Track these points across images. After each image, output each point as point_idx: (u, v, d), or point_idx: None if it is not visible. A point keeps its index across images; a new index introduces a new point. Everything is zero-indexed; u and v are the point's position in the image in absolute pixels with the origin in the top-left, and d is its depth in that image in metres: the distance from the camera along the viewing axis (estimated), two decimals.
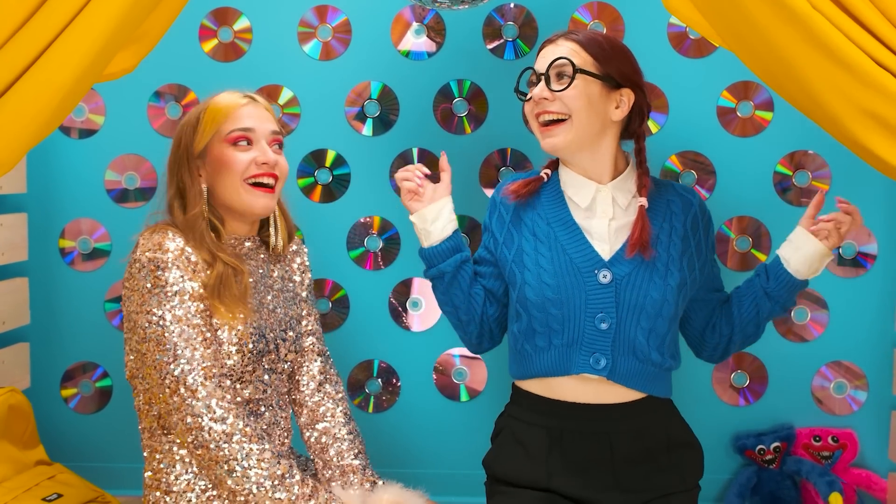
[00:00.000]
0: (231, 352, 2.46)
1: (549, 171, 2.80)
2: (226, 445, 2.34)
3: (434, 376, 3.59)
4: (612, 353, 2.62)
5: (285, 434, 2.68)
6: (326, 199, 3.60)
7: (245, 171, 2.54)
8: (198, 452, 2.36)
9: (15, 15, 2.18)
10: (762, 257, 3.49)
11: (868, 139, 2.18)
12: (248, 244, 2.65)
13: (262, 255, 2.69)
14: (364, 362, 3.61)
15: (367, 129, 3.59)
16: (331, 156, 3.59)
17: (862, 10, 2.16)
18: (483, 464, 2.83)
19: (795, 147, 3.49)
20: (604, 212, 2.68)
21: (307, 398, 2.78)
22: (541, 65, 2.67)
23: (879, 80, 2.14)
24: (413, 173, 2.77)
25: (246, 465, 2.33)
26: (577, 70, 2.59)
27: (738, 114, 3.50)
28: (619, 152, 2.75)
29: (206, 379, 2.36)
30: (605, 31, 2.69)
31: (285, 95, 3.58)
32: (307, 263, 2.89)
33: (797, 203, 3.48)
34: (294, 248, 2.85)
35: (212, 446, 2.34)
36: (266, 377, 2.58)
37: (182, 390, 2.35)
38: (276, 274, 2.71)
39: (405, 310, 3.59)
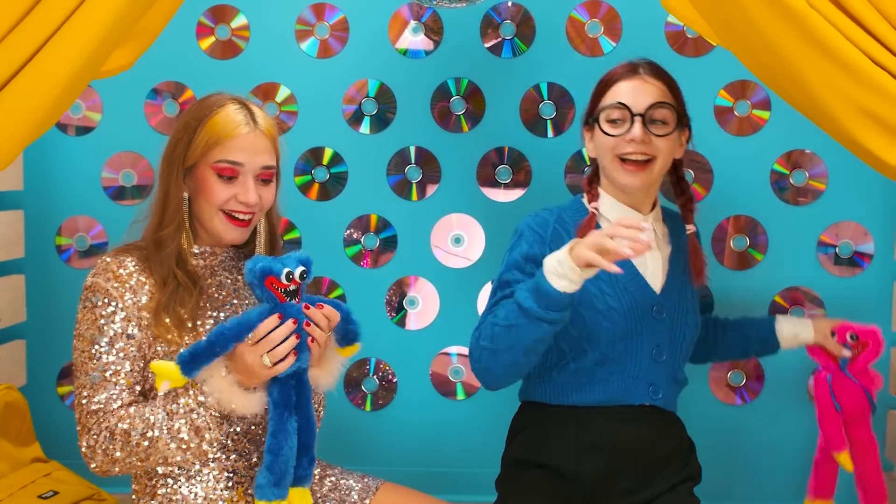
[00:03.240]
0: None
1: (598, 206, 2.74)
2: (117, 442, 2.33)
3: (430, 374, 3.59)
4: (665, 382, 2.71)
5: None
6: (323, 197, 3.60)
7: (223, 203, 2.46)
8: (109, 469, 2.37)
9: (12, 11, 2.18)
10: (759, 256, 3.50)
11: (865, 138, 2.18)
12: (222, 256, 2.60)
13: (238, 266, 2.64)
14: (360, 360, 3.61)
15: (364, 127, 3.59)
16: (328, 154, 3.59)
17: (860, 9, 2.16)
18: (504, 458, 2.85)
19: (792, 146, 3.50)
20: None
21: None
22: (638, 103, 2.62)
23: (877, 79, 2.14)
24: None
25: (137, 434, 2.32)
26: (681, 119, 2.67)
27: (736, 113, 3.51)
28: (685, 184, 2.84)
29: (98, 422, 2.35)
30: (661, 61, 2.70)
31: (282, 93, 3.58)
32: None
33: (794, 202, 3.49)
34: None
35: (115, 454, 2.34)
36: None
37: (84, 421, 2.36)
38: (242, 286, 2.66)
39: (402, 308, 3.59)
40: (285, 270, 2.23)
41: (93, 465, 2.34)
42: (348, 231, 3.59)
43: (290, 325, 2.23)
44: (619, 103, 2.64)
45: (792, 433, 3.54)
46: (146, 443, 2.29)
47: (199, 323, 2.45)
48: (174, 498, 2.43)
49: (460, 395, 3.59)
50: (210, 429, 2.30)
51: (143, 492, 2.47)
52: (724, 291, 3.51)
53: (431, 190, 3.58)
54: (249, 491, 2.46)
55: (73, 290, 3.58)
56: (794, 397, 3.53)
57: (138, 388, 2.39)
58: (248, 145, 2.46)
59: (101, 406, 2.33)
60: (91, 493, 3.10)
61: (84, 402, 2.35)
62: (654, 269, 2.71)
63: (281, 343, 2.23)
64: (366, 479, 2.70)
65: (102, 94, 3.60)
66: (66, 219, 3.63)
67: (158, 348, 2.40)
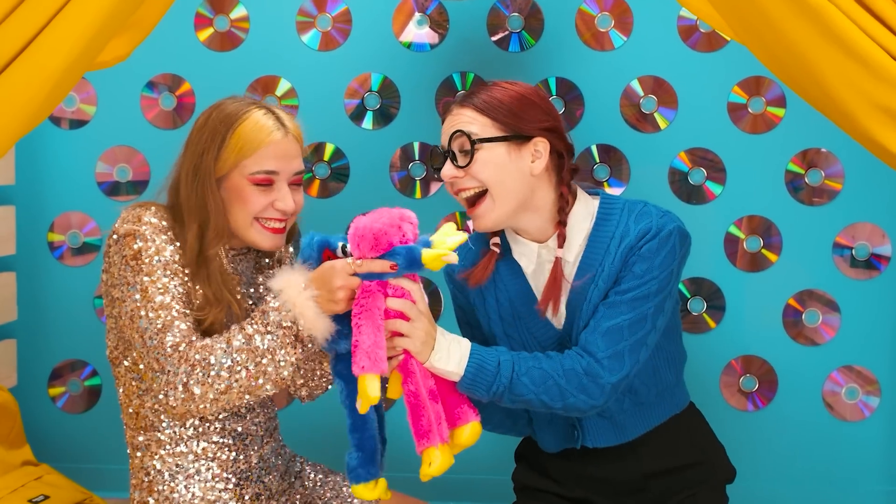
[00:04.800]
0: None
1: (497, 241, 2.63)
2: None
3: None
4: (596, 416, 2.62)
5: (269, 434, 2.65)
6: (325, 193, 3.60)
7: (260, 211, 2.45)
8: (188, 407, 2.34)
9: (4, 0, 2.18)
10: (773, 258, 3.50)
11: (884, 136, 2.17)
12: (237, 253, 2.60)
13: (251, 262, 2.65)
14: None
15: (367, 123, 3.59)
16: (329, 149, 3.59)
17: (879, 3, 2.15)
18: (513, 478, 2.84)
19: (808, 144, 3.49)
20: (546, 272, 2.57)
21: None
22: (443, 141, 2.53)
23: None
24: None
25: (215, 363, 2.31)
26: (474, 141, 2.45)
27: (750, 110, 3.50)
28: (563, 202, 2.57)
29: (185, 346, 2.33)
30: (508, 82, 2.54)
31: (283, 87, 3.58)
32: (291, 251, 2.83)
33: (809, 202, 3.48)
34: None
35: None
36: None
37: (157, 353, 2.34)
38: (260, 279, 2.67)
39: None
40: (340, 244, 2.34)
41: (172, 405, 2.28)
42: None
43: (387, 266, 2.28)
44: (435, 147, 2.61)
45: (806, 440, 3.54)
46: (225, 373, 2.27)
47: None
48: (171, 496, 2.43)
49: None
50: (287, 351, 2.30)
51: (140, 487, 2.46)
52: (737, 294, 3.51)
53: (436, 187, 3.57)
54: (248, 492, 2.46)
55: (66, 289, 3.61)
56: (808, 403, 3.54)
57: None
58: (283, 152, 2.47)
59: (177, 340, 2.31)
60: (83, 498, 3.11)
61: (153, 343, 2.31)
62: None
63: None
64: None
65: (97, 87, 3.61)
66: (58, 215, 3.64)
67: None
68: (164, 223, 2.39)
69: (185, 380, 2.26)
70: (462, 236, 2.31)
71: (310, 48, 3.58)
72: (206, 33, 3.59)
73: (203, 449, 2.44)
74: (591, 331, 2.44)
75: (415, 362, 2.32)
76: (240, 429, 2.49)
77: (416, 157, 3.56)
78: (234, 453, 2.48)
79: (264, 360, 2.28)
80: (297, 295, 2.28)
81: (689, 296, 3.53)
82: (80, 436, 3.65)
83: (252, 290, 2.59)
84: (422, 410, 2.30)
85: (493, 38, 3.56)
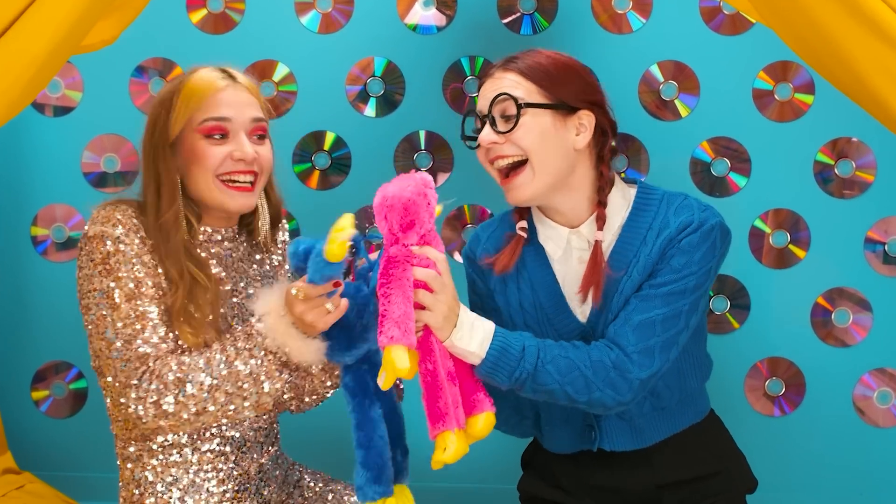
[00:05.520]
0: None
1: (525, 225, 2.64)
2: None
3: None
4: (615, 417, 2.62)
5: (271, 441, 2.65)
6: (324, 185, 3.60)
7: (218, 167, 2.44)
8: (163, 423, 2.34)
9: None
10: (801, 254, 3.49)
11: None
12: (223, 238, 2.59)
13: (241, 248, 2.64)
14: None
15: (369, 110, 3.60)
16: (330, 138, 3.59)
17: None
18: (518, 488, 2.85)
19: (838, 133, 3.49)
20: (580, 259, 2.57)
21: None
22: (482, 105, 2.53)
23: None
24: None
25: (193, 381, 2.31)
26: (520, 105, 2.46)
27: (776, 97, 3.50)
28: (603, 182, 2.58)
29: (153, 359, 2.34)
30: (550, 51, 2.55)
31: (280, 72, 3.58)
32: (287, 239, 2.83)
33: (839, 195, 3.48)
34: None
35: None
36: None
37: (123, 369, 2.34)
38: (255, 266, 2.67)
39: None
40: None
41: (143, 420, 2.29)
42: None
43: (339, 300, 2.24)
44: (471, 110, 2.62)
45: (835, 447, 3.54)
46: (205, 394, 2.27)
47: (222, 312, 2.46)
48: None
49: None
50: (272, 377, 2.30)
51: (131, 500, 2.46)
52: (762, 292, 3.51)
53: (443, 179, 3.59)
54: None
55: (50, 286, 3.61)
56: (838, 408, 3.54)
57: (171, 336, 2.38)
58: (231, 99, 2.47)
59: (148, 352, 2.31)
60: None
61: (120, 354, 2.31)
62: (574, 290, 2.58)
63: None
64: None
65: (83, 71, 3.61)
66: (42, 207, 3.65)
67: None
68: (136, 220, 2.39)
69: (155, 398, 2.27)
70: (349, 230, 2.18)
71: (309, 31, 3.59)
72: (198, 15, 3.59)
73: (199, 459, 2.45)
74: (621, 323, 2.44)
75: (434, 339, 2.29)
76: (237, 435, 2.49)
77: (422, 147, 3.57)
78: (231, 464, 2.48)
79: (245, 385, 2.29)
80: (277, 321, 2.28)
81: (711, 294, 3.52)
82: (66, 442, 3.66)
83: (244, 282, 2.59)
84: (439, 392, 2.27)
85: (504, 21, 3.57)
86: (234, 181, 2.45)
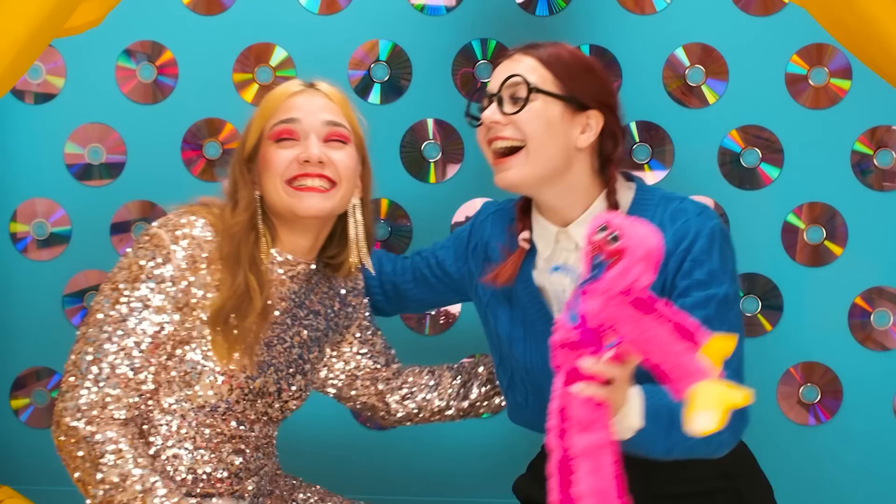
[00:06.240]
0: (216, 381, 2.42)
1: (528, 236, 2.67)
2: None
3: None
4: None
5: (268, 456, 2.64)
6: None
7: (285, 171, 2.45)
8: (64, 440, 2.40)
9: None
10: (837, 251, 3.48)
11: None
12: (300, 268, 2.59)
13: (309, 283, 2.63)
14: None
15: (374, 97, 3.60)
16: None
17: None
18: (514, 489, 2.87)
19: (877, 122, 3.48)
20: (566, 261, 2.59)
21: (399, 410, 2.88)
22: (493, 84, 2.58)
23: None
24: None
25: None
26: (532, 89, 2.50)
27: (811, 82, 3.49)
28: (597, 185, 2.62)
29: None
30: (574, 47, 2.59)
31: (278, 56, 3.58)
32: (362, 288, 2.82)
33: (878, 188, 3.47)
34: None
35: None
36: (252, 415, 2.53)
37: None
38: (310, 308, 2.65)
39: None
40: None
41: (55, 435, 2.40)
42: None
43: None
44: (482, 84, 2.70)
45: (875, 458, 3.53)
46: (115, 477, 2.32)
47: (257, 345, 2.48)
48: None
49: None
50: None
51: None
52: (796, 292, 3.50)
53: (453, 171, 3.59)
54: None
55: (31, 286, 3.61)
56: (877, 416, 3.53)
57: (143, 387, 2.39)
58: (303, 103, 2.51)
59: (90, 402, 2.34)
60: None
61: (68, 384, 2.37)
62: (559, 297, 2.61)
63: None
64: None
65: (66, 56, 3.60)
66: (22, 202, 3.63)
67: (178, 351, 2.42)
68: (210, 239, 2.43)
69: (68, 456, 2.39)
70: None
71: (309, 11, 3.58)
72: None
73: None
74: None
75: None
76: (239, 461, 2.51)
77: (431, 136, 3.56)
78: (228, 484, 2.49)
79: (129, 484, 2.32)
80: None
81: (741, 294, 3.50)
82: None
83: (305, 311, 2.61)
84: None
85: (519, 1, 3.55)
86: (301, 184, 2.46)
